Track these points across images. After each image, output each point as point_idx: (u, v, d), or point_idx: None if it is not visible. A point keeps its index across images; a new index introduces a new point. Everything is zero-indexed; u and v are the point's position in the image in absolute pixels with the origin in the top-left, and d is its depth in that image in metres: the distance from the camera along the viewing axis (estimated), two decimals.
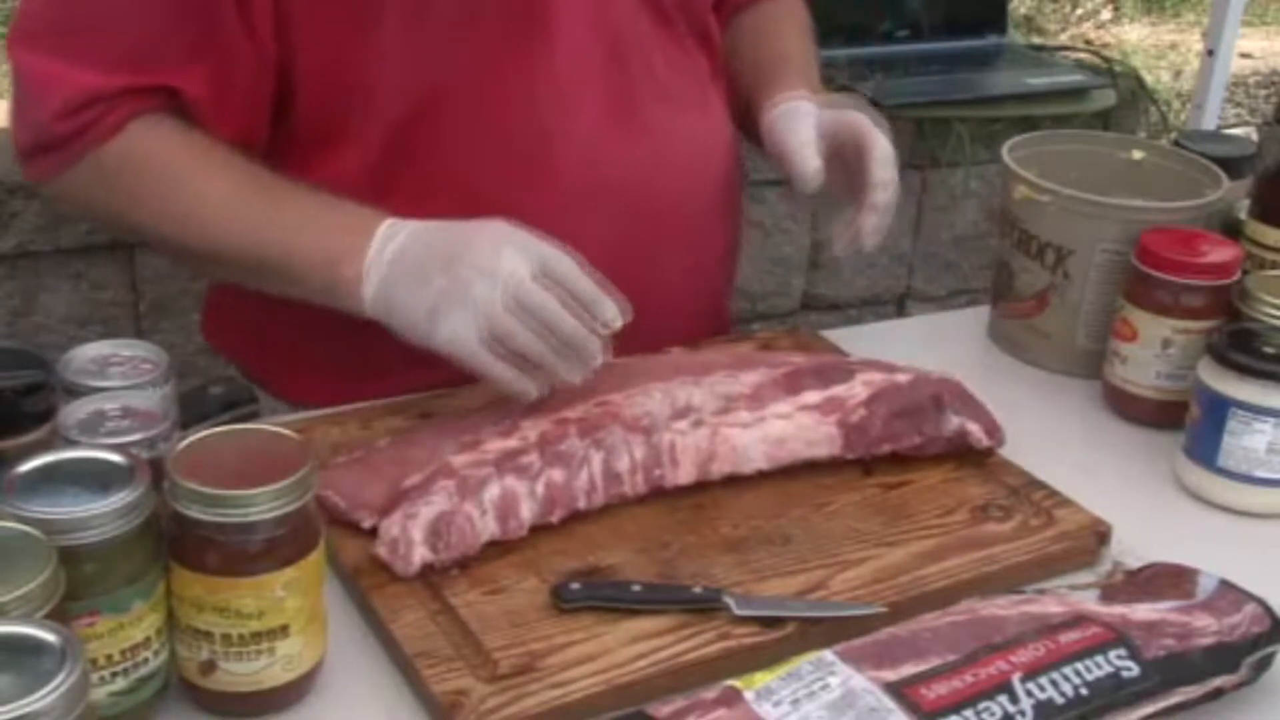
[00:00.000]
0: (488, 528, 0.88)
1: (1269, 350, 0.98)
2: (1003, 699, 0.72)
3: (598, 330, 0.92)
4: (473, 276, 0.91)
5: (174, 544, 0.73)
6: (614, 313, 0.92)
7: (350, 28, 1.00)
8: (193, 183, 1.01)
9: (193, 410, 0.93)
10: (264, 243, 0.99)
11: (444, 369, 0.94)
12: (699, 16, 1.17)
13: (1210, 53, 2.50)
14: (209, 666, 0.74)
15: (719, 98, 1.19)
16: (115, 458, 0.73)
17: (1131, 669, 0.75)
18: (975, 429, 1.01)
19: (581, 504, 0.92)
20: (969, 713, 0.71)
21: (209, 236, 1.01)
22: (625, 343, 0.97)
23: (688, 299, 1.17)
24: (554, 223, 0.96)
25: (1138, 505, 1.00)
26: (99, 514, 0.68)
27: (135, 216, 1.04)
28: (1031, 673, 0.73)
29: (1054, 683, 0.73)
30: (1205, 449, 1.00)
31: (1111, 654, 0.75)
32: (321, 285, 0.97)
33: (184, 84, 0.99)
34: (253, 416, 1.03)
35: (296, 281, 0.99)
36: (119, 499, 0.69)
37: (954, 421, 1.01)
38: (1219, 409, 0.99)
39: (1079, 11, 3.33)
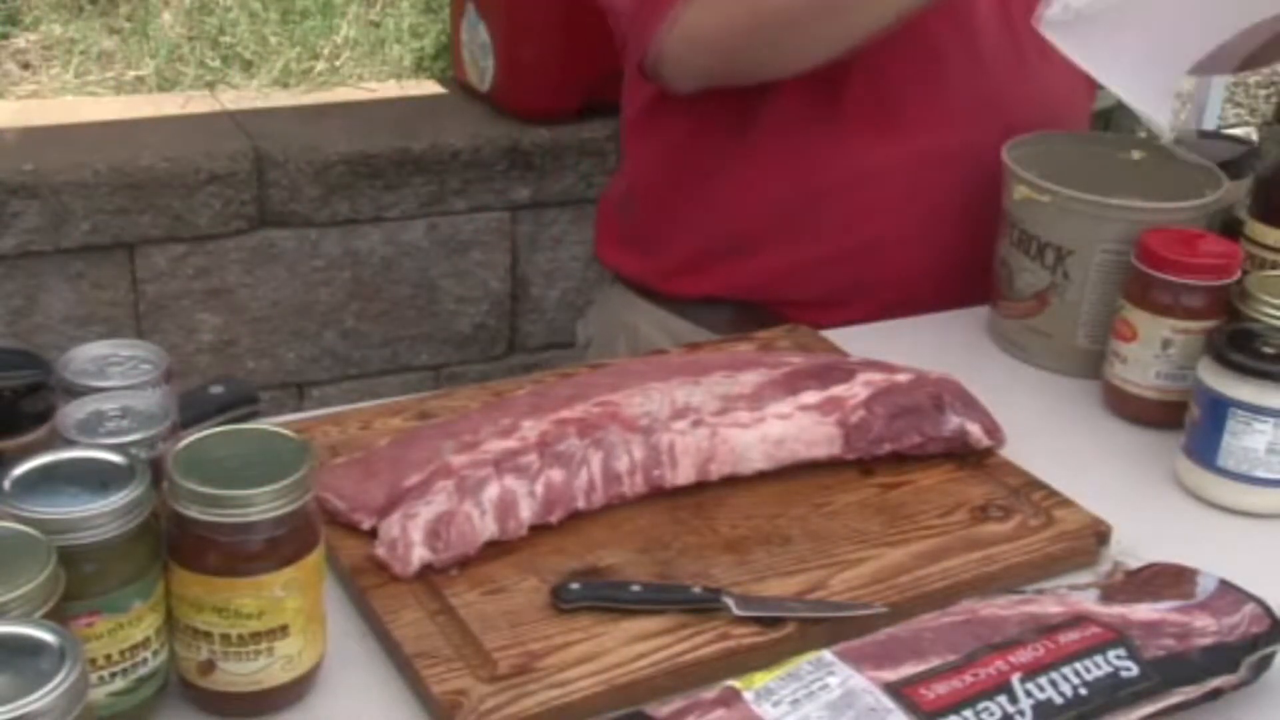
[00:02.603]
0: (487, 528, 0.88)
1: (1269, 350, 0.98)
2: (1002, 699, 0.72)
3: None
4: None
5: (173, 544, 0.73)
6: None
7: None
8: None
9: (193, 410, 0.92)
10: None
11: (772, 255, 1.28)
12: None
13: None
14: (208, 666, 0.74)
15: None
16: (115, 458, 0.73)
17: (1131, 669, 0.75)
18: (975, 429, 1.01)
19: (581, 504, 0.92)
20: (968, 713, 0.71)
21: None
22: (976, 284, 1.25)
23: None
24: (952, 140, 1.25)
25: (1138, 505, 1.00)
26: (98, 514, 0.68)
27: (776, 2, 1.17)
28: (1031, 673, 0.73)
29: (1053, 683, 0.73)
30: (1205, 449, 1.00)
31: (1111, 654, 0.75)
32: None
33: None
34: (253, 416, 1.03)
35: None
36: (118, 499, 0.69)
37: (954, 421, 1.01)
38: (1219, 409, 0.99)
39: None
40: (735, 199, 1.31)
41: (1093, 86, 1.41)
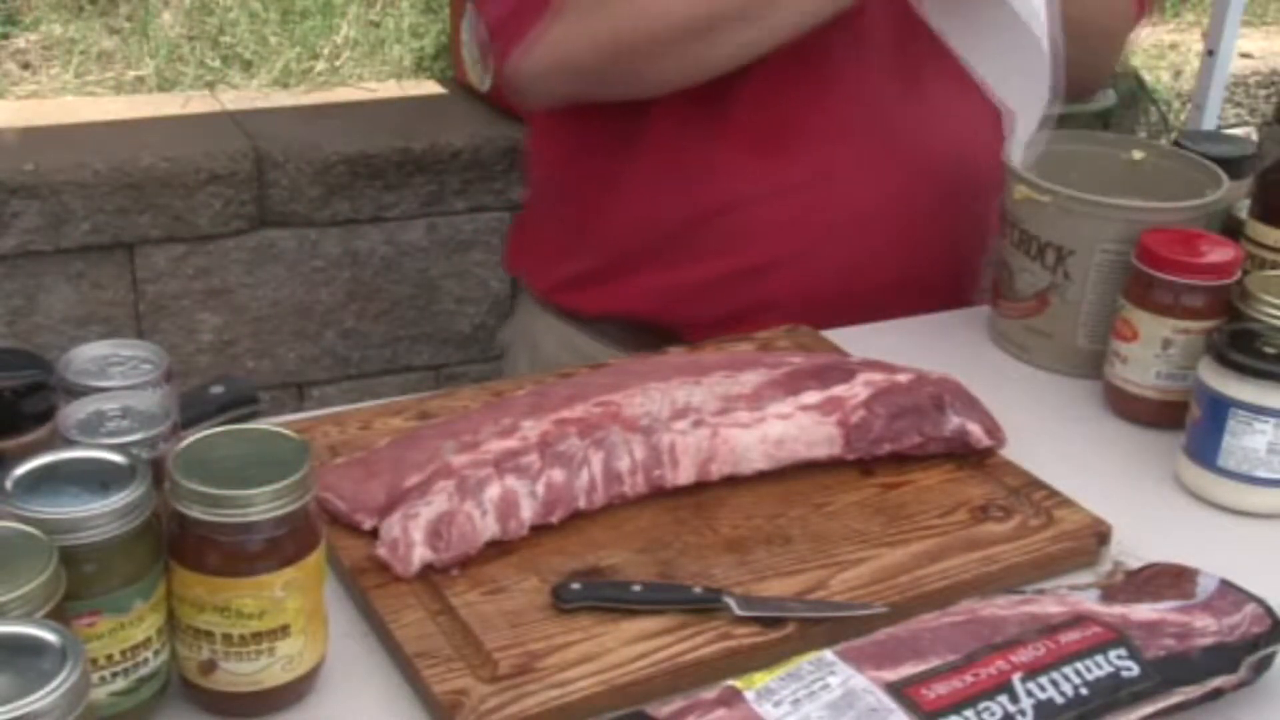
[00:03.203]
0: (488, 528, 0.88)
1: (1269, 350, 0.98)
2: (1003, 699, 0.72)
3: None
4: None
5: (174, 544, 0.73)
6: None
7: None
8: None
9: (193, 410, 0.93)
10: None
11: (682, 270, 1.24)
12: None
13: (1210, 53, 2.50)
14: (209, 666, 0.74)
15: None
16: (115, 458, 0.73)
17: (1131, 669, 0.75)
18: (975, 429, 1.01)
19: (582, 504, 0.92)
20: (969, 713, 0.71)
21: None
22: (879, 300, 1.23)
23: (950, 265, 1.32)
24: (842, 159, 1.22)
25: (1138, 505, 1.00)
26: (99, 514, 0.68)
27: (641, 25, 1.15)
28: (1032, 673, 0.74)
29: (1054, 683, 0.73)
30: (1205, 449, 1.00)
31: (1111, 654, 0.76)
32: None
33: None
34: (253, 416, 1.04)
35: None
36: (119, 499, 0.69)
37: (954, 421, 1.01)
38: (1219, 409, 0.99)
39: None
40: (618, 218, 1.29)
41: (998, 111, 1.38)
